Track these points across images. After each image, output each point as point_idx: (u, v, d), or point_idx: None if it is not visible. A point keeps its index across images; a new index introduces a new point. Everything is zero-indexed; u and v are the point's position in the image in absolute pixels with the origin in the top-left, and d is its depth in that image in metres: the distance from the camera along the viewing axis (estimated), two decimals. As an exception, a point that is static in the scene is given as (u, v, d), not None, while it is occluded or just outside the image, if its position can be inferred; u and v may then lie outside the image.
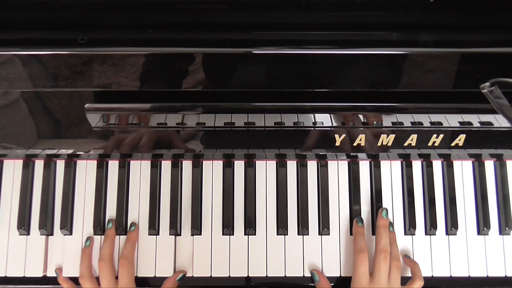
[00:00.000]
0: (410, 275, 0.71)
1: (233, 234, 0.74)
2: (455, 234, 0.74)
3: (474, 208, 0.75)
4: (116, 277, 0.70)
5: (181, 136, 0.66)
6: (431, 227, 0.74)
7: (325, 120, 0.62)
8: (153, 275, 0.72)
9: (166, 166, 0.76)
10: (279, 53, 0.55)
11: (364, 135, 0.65)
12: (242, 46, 0.55)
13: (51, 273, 0.73)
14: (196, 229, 0.73)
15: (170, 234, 0.74)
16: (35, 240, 0.74)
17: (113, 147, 0.67)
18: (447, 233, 0.74)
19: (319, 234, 0.74)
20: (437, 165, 0.76)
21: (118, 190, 0.75)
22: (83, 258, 0.72)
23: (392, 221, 0.74)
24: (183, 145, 0.66)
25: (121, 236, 0.74)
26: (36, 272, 0.73)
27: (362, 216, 0.74)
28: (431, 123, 0.62)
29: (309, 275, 0.72)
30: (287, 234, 0.74)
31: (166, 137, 0.67)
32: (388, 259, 0.68)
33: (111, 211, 0.75)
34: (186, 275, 0.72)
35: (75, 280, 0.72)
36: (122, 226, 0.74)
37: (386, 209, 0.73)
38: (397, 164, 0.76)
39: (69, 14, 0.57)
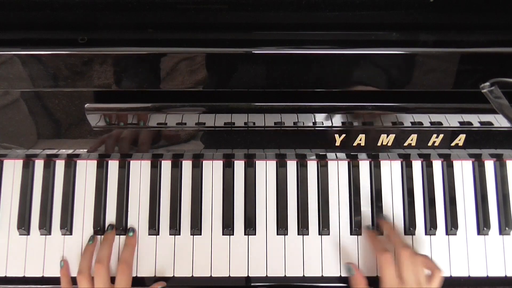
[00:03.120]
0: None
1: (233, 234, 0.74)
2: (455, 234, 0.74)
3: (474, 208, 0.75)
4: (113, 281, 0.70)
5: (181, 136, 0.66)
6: (431, 227, 0.74)
7: (325, 120, 0.62)
8: (153, 275, 0.72)
9: (166, 166, 0.76)
10: (279, 53, 0.55)
11: (364, 135, 0.65)
12: (242, 46, 0.55)
13: (50, 273, 0.73)
14: (196, 229, 0.73)
15: (170, 234, 0.74)
16: (35, 240, 0.74)
17: (112, 146, 0.67)
18: (447, 233, 0.74)
19: (319, 234, 0.74)
20: (437, 165, 0.76)
21: (118, 190, 0.75)
22: (84, 256, 0.72)
23: (393, 222, 0.74)
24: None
25: (121, 236, 0.74)
26: (36, 272, 0.73)
27: (361, 216, 0.74)
28: (431, 123, 0.62)
29: (309, 275, 0.72)
30: (287, 234, 0.74)
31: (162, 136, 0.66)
32: (412, 255, 0.66)
33: (111, 211, 0.75)
34: (186, 275, 0.72)
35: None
36: (122, 226, 0.74)
37: (385, 215, 0.73)
38: (397, 164, 0.76)
39: (69, 14, 0.57)
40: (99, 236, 0.74)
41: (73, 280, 0.72)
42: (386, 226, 0.73)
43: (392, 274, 0.66)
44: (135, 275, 0.72)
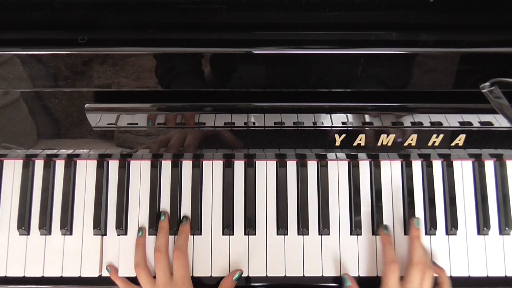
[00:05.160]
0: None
1: (233, 234, 0.74)
2: (455, 234, 0.74)
3: (474, 208, 0.75)
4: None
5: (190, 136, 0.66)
6: (431, 227, 0.74)
7: (325, 120, 0.62)
8: (152, 275, 0.72)
9: (166, 166, 0.76)
10: (279, 53, 0.55)
11: (364, 135, 0.65)
12: (242, 46, 0.55)
13: (50, 273, 0.73)
14: (196, 229, 0.73)
15: (170, 234, 0.74)
16: (35, 240, 0.74)
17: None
18: (447, 233, 0.74)
19: (319, 234, 0.74)
20: (437, 165, 0.76)
21: (118, 190, 0.75)
22: (137, 249, 0.72)
23: (393, 222, 0.74)
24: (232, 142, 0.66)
25: (121, 236, 0.74)
26: (36, 272, 0.73)
27: (361, 217, 0.74)
28: (431, 123, 0.62)
29: (309, 275, 0.72)
30: (287, 234, 0.74)
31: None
32: (423, 271, 0.67)
33: (111, 211, 0.75)
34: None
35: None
36: (122, 226, 0.74)
37: (418, 218, 0.72)
38: (397, 164, 0.76)
39: (69, 14, 0.57)
40: (96, 237, 0.74)
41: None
42: (416, 233, 0.71)
43: (395, 280, 0.67)
44: (134, 275, 0.72)
